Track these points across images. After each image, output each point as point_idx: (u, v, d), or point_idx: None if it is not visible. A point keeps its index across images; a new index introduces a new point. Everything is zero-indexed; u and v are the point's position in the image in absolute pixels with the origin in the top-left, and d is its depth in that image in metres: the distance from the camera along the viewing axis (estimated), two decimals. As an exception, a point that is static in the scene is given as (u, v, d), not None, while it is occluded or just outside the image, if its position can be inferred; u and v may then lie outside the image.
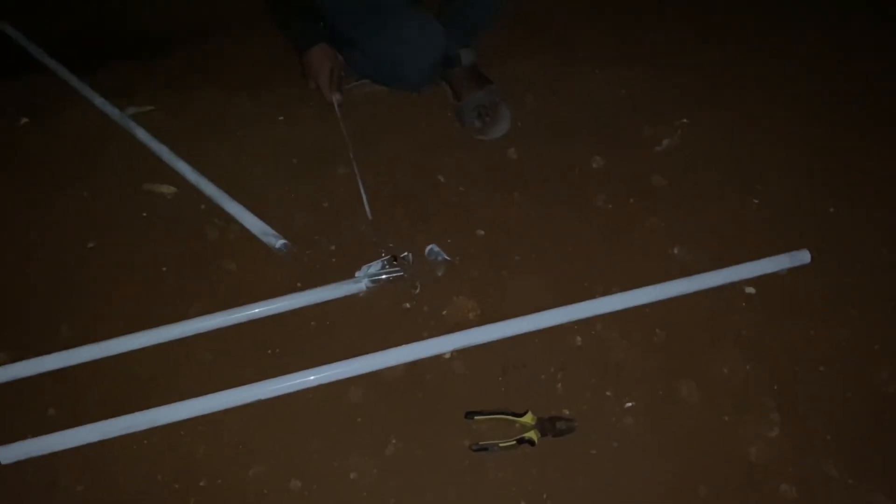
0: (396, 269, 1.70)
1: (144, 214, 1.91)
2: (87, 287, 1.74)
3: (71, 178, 1.99)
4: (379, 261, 1.71)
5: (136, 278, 1.76)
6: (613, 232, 1.85)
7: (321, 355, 1.58)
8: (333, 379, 1.54)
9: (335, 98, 2.02)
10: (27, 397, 1.53)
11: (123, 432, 1.45)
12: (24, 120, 2.16)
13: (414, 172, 1.99)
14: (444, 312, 1.66)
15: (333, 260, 1.78)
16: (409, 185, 1.96)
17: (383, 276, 1.69)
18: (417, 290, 1.70)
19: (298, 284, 1.73)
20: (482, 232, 1.84)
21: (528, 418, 1.48)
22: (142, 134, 2.04)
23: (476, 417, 1.48)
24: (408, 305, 1.69)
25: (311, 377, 1.53)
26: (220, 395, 1.50)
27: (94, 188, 1.97)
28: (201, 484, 1.41)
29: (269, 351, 1.62)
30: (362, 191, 1.83)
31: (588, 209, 1.90)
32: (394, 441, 1.48)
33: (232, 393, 1.50)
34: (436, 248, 1.75)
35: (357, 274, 1.70)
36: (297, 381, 1.52)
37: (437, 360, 1.59)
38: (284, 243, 1.76)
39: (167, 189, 1.95)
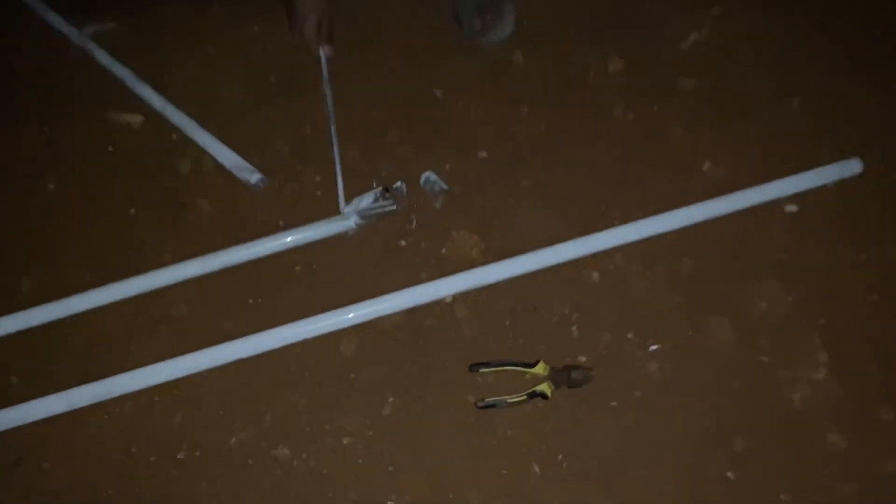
0: (389, 202, 1.50)
1: (110, 149, 1.72)
2: (48, 235, 1.58)
3: (26, 111, 1.79)
4: (370, 192, 1.51)
5: (103, 223, 1.59)
6: (634, 146, 1.62)
7: (308, 304, 1.43)
8: (323, 332, 1.37)
9: (323, 52, 1.72)
10: (-13, 364, 1.39)
11: (92, 401, 1.32)
12: (-28, 45, 1.94)
13: (406, 86, 1.76)
14: (444, 250, 1.48)
15: (318, 193, 1.59)
16: (400, 102, 1.73)
17: (375, 211, 1.50)
18: (413, 226, 1.51)
19: (280, 223, 1.55)
20: (485, 154, 1.63)
21: (540, 368, 1.31)
22: (102, 56, 1.82)
23: (482, 370, 1.32)
24: (403, 243, 1.51)
25: (297, 332, 1.37)
26: (196, 355, 1.35)
27: (52, 121, 1.77)
28: (179, 456, 1.29)
29: (251, 300, 1.46)
30: (339, 178, 1.55)
31: (605, 120, 1.67)
32: (391, 399, 1.33)
33: (209, 353, 1.35)
34: (432, 176, 1.55)
35: (345, 210, 1.51)
36: (282, 335, 1.37)
37: (437, 304, 1.42)
38: (261, 178, 1.56)
39: (133, 118, 1.75)
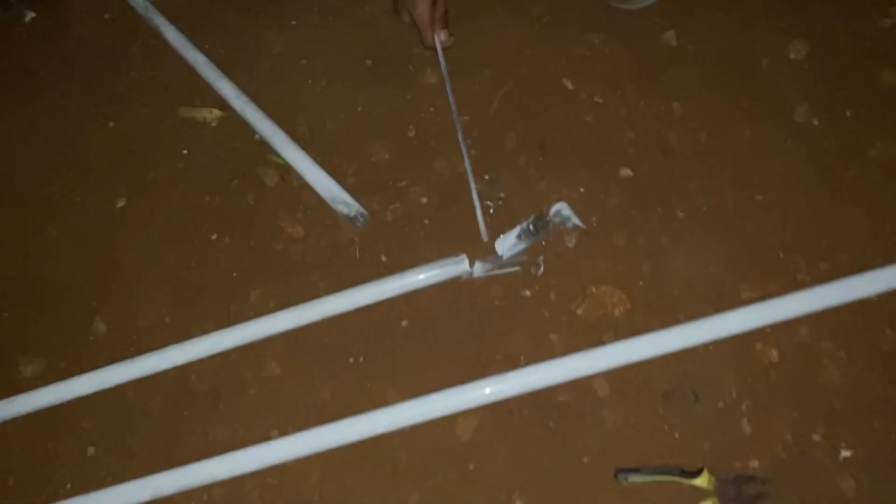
0: (530, 238, 1.26)
1: (185, 152, 1.48)
2: (120, 263, 1.38)
3: (91, 101, 1.57)
4: (518, 229, 1.26)
5: (181, 250, 1.38)
6: (822, 166, 1.29)
7: (417, 367, 1.22)
8: (439, 415, 1.16)
9: (439, 40, 1.36)
10: (62, 430, 1.24)
11: (178, 490, 1.15)
12: (30, 15, 1.70)
13: (529, 74, 1.45)
14: (580, 310, 1.21)
15: (426, 222, 1.33)
16: (522, 97, 1.43)
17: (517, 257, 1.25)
18: (541, 271, 1.25)
19: (383, 258, 1.31)
20: (629, 171, 1.33)
21: (704, 480, 1.07)
22: (172, 35, 1.56)
23: (631, 478, 1.09)
24: (527, 293, 1.25)
25: (409, 414, 1.16)
26: (294, 440, 1.16)
27: (118, 115, 1.54)
28: (275, 562, 1.12)
29: (351, 360, 1.25)
30: (478, 207, 1.29)
31: (783, 128, 1.34)
32: (519, 503, 1.12)
33: (309, 437, 1.15)
34: (565, 210, 1.27)
35: (499, 251, 1.25)
36: (392, 418, 1.16)
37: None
38: (361, 213, 1.31)
39: (210, 114, 1.51)
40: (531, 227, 1.25)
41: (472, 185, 1.28)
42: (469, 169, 1.29)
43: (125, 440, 1.22)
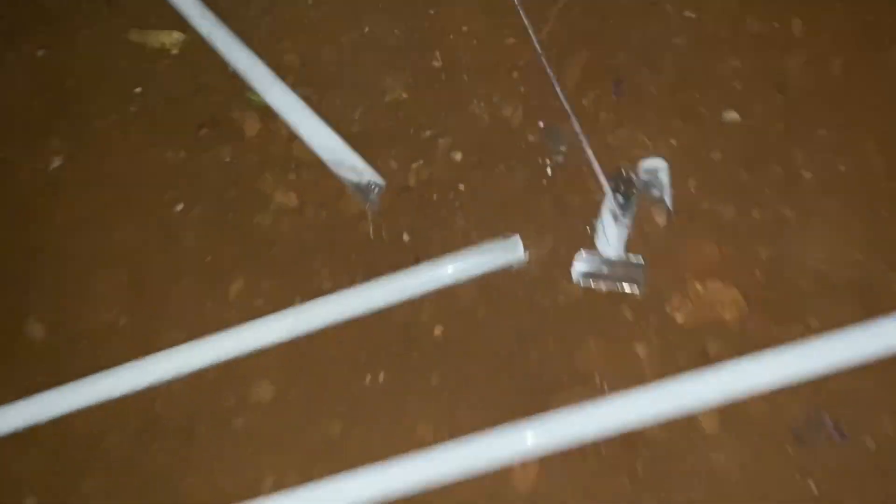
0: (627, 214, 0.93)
1: (138, 90, 1.14)
2: (58, 244, 1.08)
3: (13, 21, 1.22)
4: (606, 209, 0.93)
5: (137, 224, 1.07)
6: None
7: (456, 394, 0.93)
8: (487, 465, 0.87)
9: None
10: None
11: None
12: None
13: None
14: (678, 315, 0.90)
15: (461, 187, 1.00)
16: (587, 11, 1.09)
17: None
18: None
19: (405, 238, 0.99)
20: (735, 115, 1.00)
21: (857, 557, 0.79)
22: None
23: (756, 555, 0.81)
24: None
25: (447, 465, 0.86)
26: (296, 496, 0.88)
27: (50, 40, 1.19)
28: None
29: (368, 380, 0.95)
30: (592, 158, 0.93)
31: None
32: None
33: (314, 493, 0.88)
34: (660, 171, 0.93)
35: (604, 252, 0.92)
36: (427, 469, 0.87)
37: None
38: (376, 184, 0.97)
39: (169, 38, 1.15)
40: (620, 198, 0.92)
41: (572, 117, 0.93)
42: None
43: (76, 488, 0.95)
